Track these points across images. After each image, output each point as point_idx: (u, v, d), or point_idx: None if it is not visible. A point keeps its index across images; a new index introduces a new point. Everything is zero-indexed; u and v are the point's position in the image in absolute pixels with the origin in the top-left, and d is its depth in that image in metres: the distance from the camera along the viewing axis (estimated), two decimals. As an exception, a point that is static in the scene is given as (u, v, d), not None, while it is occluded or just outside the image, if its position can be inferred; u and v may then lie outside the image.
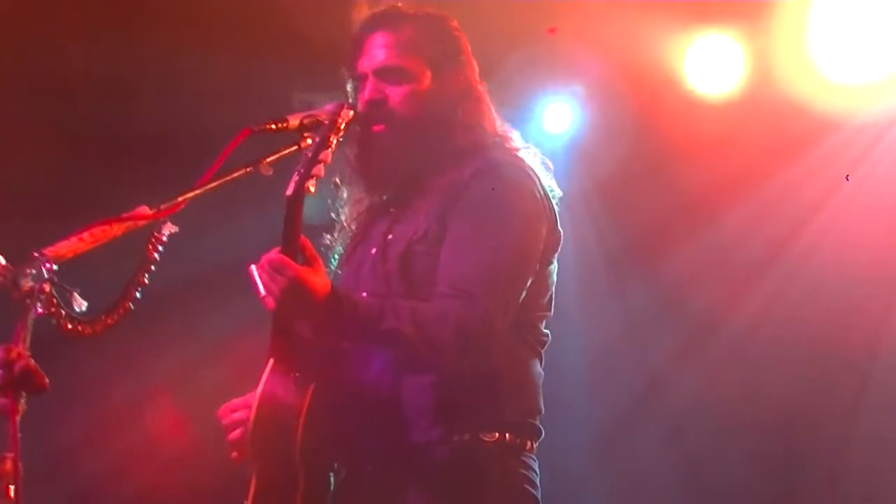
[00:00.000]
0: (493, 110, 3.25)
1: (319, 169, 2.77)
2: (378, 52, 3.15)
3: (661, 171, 6.55)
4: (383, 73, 3.14)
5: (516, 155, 3.18)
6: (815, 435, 6.35)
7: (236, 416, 2.99)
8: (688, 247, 6.56)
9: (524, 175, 3.09)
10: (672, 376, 6.72)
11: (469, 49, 3.26)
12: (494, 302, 2.85)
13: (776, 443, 6.46)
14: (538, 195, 3.07)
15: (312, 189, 2.79)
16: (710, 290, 6.59)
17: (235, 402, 3.03)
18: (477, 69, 3.26)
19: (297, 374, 2.87)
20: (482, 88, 3.25)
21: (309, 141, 2.89)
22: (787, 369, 6.40)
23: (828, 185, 6.33)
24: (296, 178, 2.75)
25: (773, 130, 6.29)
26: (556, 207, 3.14)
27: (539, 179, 3.12)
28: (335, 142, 2.84)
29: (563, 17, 6.28)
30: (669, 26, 6.29)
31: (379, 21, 3.19)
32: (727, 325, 6.58)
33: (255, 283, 2.74)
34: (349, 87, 3.25)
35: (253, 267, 2.75)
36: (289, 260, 2.71)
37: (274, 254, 2.72)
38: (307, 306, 2.73)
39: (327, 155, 2.79)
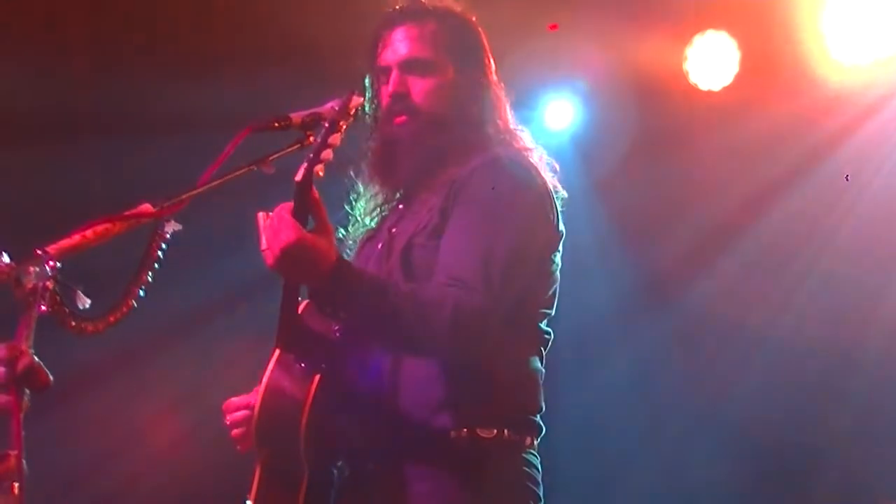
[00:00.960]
0: (509, 107, 3.27)
1: (329, 153, 2.77)
2: (402, 44, 3.17)
3: (661, 166, 6.57)
4: (408, 66, 3.16)
5: (520, 152, 3.18)
6: (804, 430, 6.36)
7: (239, 414, 3.00)
8: (688, 242, 6.57)
9: (524, 171, 3.10)
10: (669, 369, 6.74)
11: (488, 46, 3.27)
12: (490, 293, 2.84)
13: (761, 437, 6.47)
14: (539, 191, 3.08)
15: (321, 174, 2.80)
16: (710, 286, 6.60)
17: (238, 399, 3.03)
18: (494, 65, 3.27)
19: (302, 365, 2.88)
20: (500, 85, 3.26)
21: (312, 138, 2.90)
22: (782, 362, 6.42)
23: (829, 179, 6.34)
24: (305, 164, 2.75)
25: (774, 126, 6.30)
26: (559, 207, 3.14)
27: (541, 176, 3.13)
28: (345, 127, 2.84)
29: (564, 13, 6.29)
30: (671, 22, 6.31)
31: (402, 15, 3.21)
32: (725, 320, 6.60)
33: (260, 233, 2.73)
34: (367, 82, 3.25)
35: (260, 215, 2.75)
36: (294, 221, 2.70)
37: (284, 211, 2.71)
38: (309, 272, 2.73)
39: (337, 139, 2.79)
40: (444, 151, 3.13)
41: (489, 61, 3.26)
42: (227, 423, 3.02)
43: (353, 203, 3.29)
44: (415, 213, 3.11)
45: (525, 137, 3.26)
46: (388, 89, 3.16)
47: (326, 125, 2.80)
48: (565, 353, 6.43)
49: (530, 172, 3.10)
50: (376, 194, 3.26)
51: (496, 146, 3.15)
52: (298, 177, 2.74)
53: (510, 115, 3.27)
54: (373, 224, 3.29)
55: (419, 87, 3.13)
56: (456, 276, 2.86)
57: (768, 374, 6.45)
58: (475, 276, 2.85)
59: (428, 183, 3.13)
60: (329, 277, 2.73)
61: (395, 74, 3.15)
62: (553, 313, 3.15)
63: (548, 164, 3.23)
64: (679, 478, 6.58)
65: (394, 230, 3.12)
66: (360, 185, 3.26)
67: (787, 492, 6.36)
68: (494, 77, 3.26)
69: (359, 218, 3.28)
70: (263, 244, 2.72)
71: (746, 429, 6.49)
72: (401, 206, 3.21)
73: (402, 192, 3.24)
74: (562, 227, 3.15)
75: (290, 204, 2.74)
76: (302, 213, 2.73)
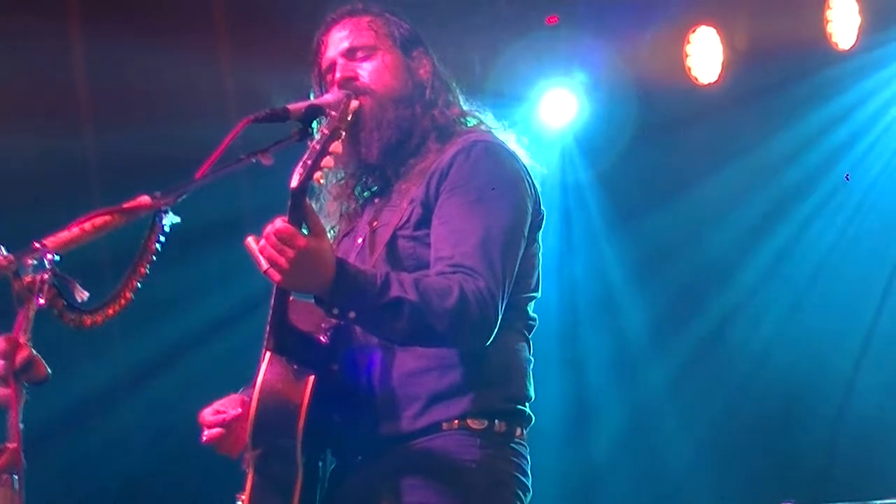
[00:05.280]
0: (460, 90, 3.29)
1: (329, 161, 2.75)
2: (341, 38, 3.21)
3: (663, 161, 6.56)
4: (351, 53, 3.19)
5: (493, 133, 3.21)
6: (807, 429, 6.37)
7: (215, 432, 2.99)
8: (689, 237, 6.58)
9: (503, 152, 3.12)
10: (670, 366, 6.75)
11: (427, 44, 3.30)
12: (493, 276, 2.87)
13: (765, 436, 6.47)
14: (519, 171, 3.10)
15: (322, 181, 2.77)
16: (712, 281, 6.60)
17: (213, 416, 3.01)
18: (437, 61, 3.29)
19: (295, 366, 2.87)
20: (447, 73, 3.28)
21: (311, 130, 2.90)
22: (784, 362, 6.42)
23: (830, 173, 6.35)
24: (301, 170, 2.71)
25: (775, 120, 6.30)
26: (537, 185, 3.16)
27: (518, 156, 3.15)
28: (344, 133, 2.82)
29: (565, 6, 6.29)
30: (670, 16, 6.32)
31: (337, 17, 3.26)
32: (730, 316, 6.60)
33: (256, 258, 2.69)
34: (317, 89, 3.25)
35: (250, 240, 2.71)
36: (295, 230, 2.66)
37: (280, 224, 2.67)
38: (316, 278, 2.71)
39: (338, 146, 2.77)
40: (410, 131, 3.14)
41: (430, 54, 3.28)
42: (206, 440, 3.00)
43: (318, 202, 3.24)
44: (394, 205, 3.11)
45: (489, 118, 3.28)
46: (335, 79, 3.18)
47: (327, 132, 2.77)
48: (574, 349, 6.53)
49: (509, 153, 3.13)
50: (343, 188, 3.25)
51: (468, 130, 3.18)
52: (294, 184, 2.70)
53: (462, 98, 3.29)
54: (343, 211, 3.27)
55: (366, 70, 3.16)
56: (457, 262, 2.87)
57: (782, 364, 6.45)
58: (476, 261, 2.87)
59: (404, 173, 3.14)
60: (334, 281, 2.72)
61: (339, 64, 3.18)
62: (539, 295, 3.15)
63: (518, 140, 3.25)
64: (687, 470, 6.59)
65: (375, 223, 3.12)
66: (325, 183, 3.21)
67: (796, 486, 6.36)
68: (439, 65, 3.28)
69: (326, 216, 3.24)
70: (264, 265, 2.67)
71: (754, 424, 6.50)
72: (377, 200, 3.21)
73: (376, 185, 3.23)
74: (543, 207, 3.17)
75: (284, 217, 2.68)
76: (297, 221, 2.69)
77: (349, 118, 2.87)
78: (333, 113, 2.84)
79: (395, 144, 3.13)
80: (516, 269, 2.98)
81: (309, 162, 2.71)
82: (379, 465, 2.95)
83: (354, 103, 2.94)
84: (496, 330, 2.91)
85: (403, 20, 3.29)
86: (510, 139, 3.22)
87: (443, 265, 2.89)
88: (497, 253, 2.90)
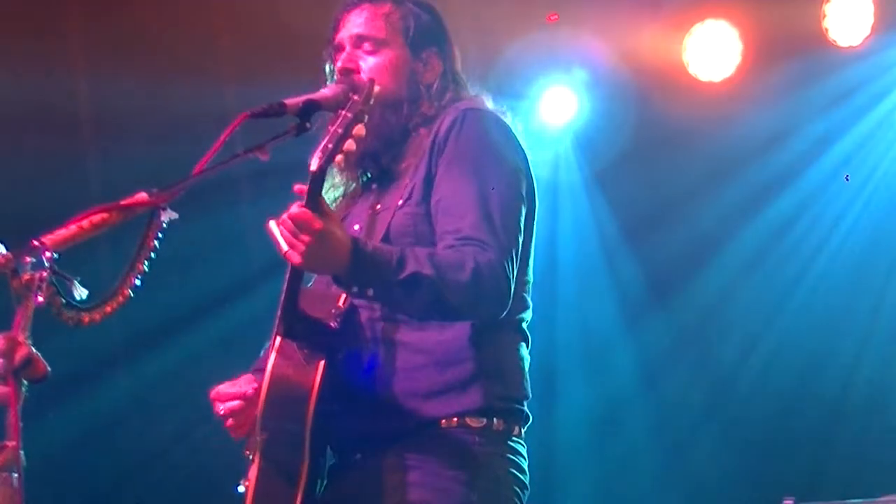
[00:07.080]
0: (469, 87, 3.28)
1: (352, 144, 2.75)
2: (355, 24, 3.20)
3: (662, 160, 6.56)
4: (359, 42, 3.19)
5: (488, 107, 3.22)
6: (803, 426, 6.36)
7: (234, 404, 3.00)
8: (688, 237, 6.57)
9: (496, 120, 3.14)
10: (667, 364, 6.74)
11: (450, 37, 3.29)
12: (500, 244, 2.90)
13: (762, 433, 6.47)
14: (512, 139, 3.13)
15: (343, 164, 2.78)
16: (709, 281, 6.60)
17: (229, 389, 3.03)
18: (458, 58, 3.27)
19: (305, 351, 2.88)
20: (462, 74, 3.28)
21: (308, 125, 2.90)
22: (780, 359, 6.41)
23: (829, 173, 6.35)
24: (321, 153, 2.72)
25: (774, 118, 6.30)
26: (530, 162, 3.16)
27: (509, 126, 3.16)
28: (367, 117, 2.82)
29: (564, 4, 6.29)
30: (670, 13, 6.32)
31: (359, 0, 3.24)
32: (723, 315, 6.60)
33: (276, 240, 2.72)
34: (327, 66, 3.26)
35: (272, 223, 2.73)
36: (311, 214, 2.68)
37: (297, 209, 2.69)
38: (332, 259, 2.74)
39: (361, 129, 2.77)
40: (391, 136, 3.14)
41: (449, 47, 3.28)
42: (221, 412, 3.02)
43: None
44: (395, 183, 3.12)
45: (490, 101, 3.27)
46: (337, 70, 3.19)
47: (350, 115, 2.77)
48: (573, 348, 6.53)
49: (499, 121, 3.15)
50: (337, 181, 3.25)
51: (462, 103, 3.17)
52: (314, 167, 2.72)
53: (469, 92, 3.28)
54: (342, 195, 3.26)
55: (368, 64, 3.15)
56: (466, 235, 2.90)
57: (769, 368, 6.45)
58: (483, 233, 2.90)
59: (399, 154, 3.14)
60: (351, 260, 2.74)
61: (346, 51, 3.18)
62: (533, 279, 3.16)
63: (514, 122, 3.23)
64: (685, 470, 6.57)
65: (378, 206, 3.13)
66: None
67: (793, 482, 6.35)
68: (457, 65, 3.27)
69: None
70: (284, 247, 2.71)
71: (750, 421, 6.49)
72: (375, 185, 3.21)
73: (372, 171, 3.23)
74: (535, 184, 3.16)
75: (301, 202, 2.71)
76: (315, 204, 2.71)
77: (372, 102, 2.86)
78: (356, 97, 2.83)
79: (374, 152, 3.14)
80: (521, 236, 3.00)
81: (330, 146, 2.73)
82: (378, 463, 2.96)
83: (377, 87, 2.93)
84: (495, 330, 2.95)
85: (425, 10, 3.27)
86: (505, 118, 3.21)
87: (451, 239, 2.91)
88: (501, 222, 2.93)
